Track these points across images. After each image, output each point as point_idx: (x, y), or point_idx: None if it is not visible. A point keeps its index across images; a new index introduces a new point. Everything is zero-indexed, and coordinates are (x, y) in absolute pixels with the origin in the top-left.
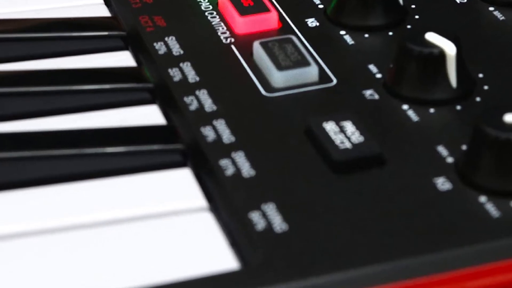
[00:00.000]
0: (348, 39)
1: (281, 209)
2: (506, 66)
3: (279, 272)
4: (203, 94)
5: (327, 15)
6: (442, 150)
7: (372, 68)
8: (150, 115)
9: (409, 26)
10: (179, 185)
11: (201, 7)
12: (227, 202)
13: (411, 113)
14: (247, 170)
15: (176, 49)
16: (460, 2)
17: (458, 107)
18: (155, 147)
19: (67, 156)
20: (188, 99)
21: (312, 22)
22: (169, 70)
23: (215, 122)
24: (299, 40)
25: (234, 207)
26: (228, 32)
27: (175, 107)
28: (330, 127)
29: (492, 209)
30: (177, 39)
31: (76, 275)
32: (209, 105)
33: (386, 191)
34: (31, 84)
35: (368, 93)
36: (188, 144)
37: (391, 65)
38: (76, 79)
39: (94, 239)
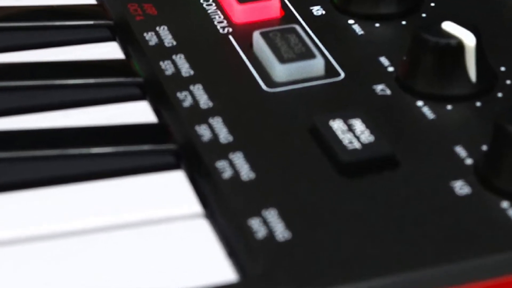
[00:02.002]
0: (357, 28)
1: (284, 216)
2: None
3: (281, 284)
4: (198, 89)
5: (334, 2)
6: (460, 150)
7: (384, 60)
8: (139, 112)
9: (424, 15)
10: (172, 189)
11: None
12: (224, 208)
13: (426, 110)
14: (246, 172)
15: (168, 40)
16: None
17: (478, 104)
18: (145, 147)
19: (48, 157)
20: (181, 95)
21: (317, 10)
22: (161, 63)
23: (211, 120)
24: (303, 30)
25: (232, 213)
26: (225, 21)
27: (167, 104)
28: (337, 125)
29: None
30: (169, 29)
31: None
32: (204, 101)
33: (399, 196)
34: (9, 78)
35: (379, 88)
36: (182, 144)
37: (404, 58)
38: (59, 73)
39: (78, 249)
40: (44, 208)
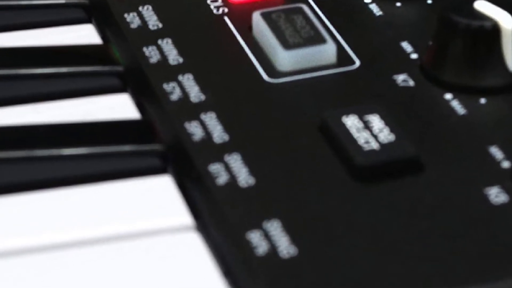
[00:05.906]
0: (374, 8)
1: (288, 228)
2: None
3: None
4: (187, 80)
5: None
6: (495, 151)
7: (406, 46)
8: (119, 106)
9: None
10: (158, 197)
11: None
12: (219, 219)
13: (456, 104)
14: (244, 177)
15: (153, 22)
16: None
17: None
18: (127, 148)
19: (13, 160)
20: (168, 86)
21: None
22: (144, 48)
23: (203, 116)
24: (312, 10)
25: (228, 225)
26: (220, 0)
27: (152, 97)
28: (351, 122)
29: None
30: (154, 9)
31: None
32: (195, 94)
33: (424, 205)
34: None
35: (400, 78)
36: (169, 145)
37: (430, 43)
38: (25, 61)
39: (48, 268)
40: (7, 219)
